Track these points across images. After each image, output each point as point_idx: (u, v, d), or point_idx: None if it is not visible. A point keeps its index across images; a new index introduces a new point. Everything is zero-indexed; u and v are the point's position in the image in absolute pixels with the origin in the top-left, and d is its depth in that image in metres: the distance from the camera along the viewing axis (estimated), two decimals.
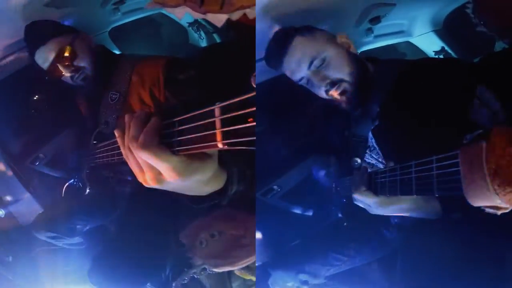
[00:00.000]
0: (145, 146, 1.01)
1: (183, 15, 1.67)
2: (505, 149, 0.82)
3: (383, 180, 1.35)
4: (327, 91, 1.69)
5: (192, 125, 1.12)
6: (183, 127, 1.09)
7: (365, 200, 1.45)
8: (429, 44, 2.53)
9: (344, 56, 1.69)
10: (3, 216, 2.55)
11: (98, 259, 2.06)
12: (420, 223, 1.51)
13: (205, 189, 1.15)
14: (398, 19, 2.36)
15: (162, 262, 1.88)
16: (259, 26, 1.77)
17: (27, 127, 2.51)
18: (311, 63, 1.69)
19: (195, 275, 1.75)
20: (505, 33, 1.81)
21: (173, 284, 1.79)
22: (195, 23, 2.93)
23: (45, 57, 1.95)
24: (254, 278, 1.74)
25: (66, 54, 1.93)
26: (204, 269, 1.69)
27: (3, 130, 2.50)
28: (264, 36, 1.84)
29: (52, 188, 2.43)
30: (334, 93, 1.68)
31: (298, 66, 1.73)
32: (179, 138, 1.07)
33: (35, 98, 2.14)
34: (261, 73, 2.03)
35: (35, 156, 2.42)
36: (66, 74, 1.96)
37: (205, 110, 1.05)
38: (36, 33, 1.99)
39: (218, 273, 1.77)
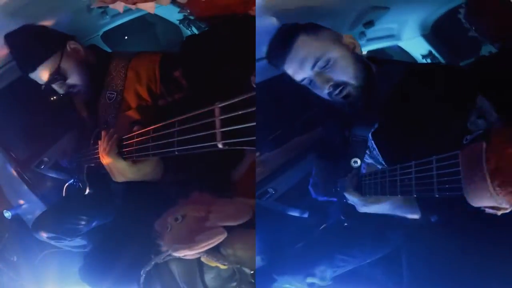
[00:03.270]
0: (108, 154, 1.62)
1: (122, 8, 1.74)
2: (505, 149, 0.83)
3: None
4: (330, 94, 1.66)
5: (192, 124, 1.13)
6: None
7: (352, 199, 1.57)
8: (417, 48, 2.56)
9: (350, 58, 1.65)
10: (10, 218, 2.58)
11: (89, 257, 2.05)
12: (421, 220, 1.52)
13: (148, 178, 1.70)
14: (389, 23, 2.38)
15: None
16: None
17: (31, 132, 2.53)
18: (315, 63, 1.64)
19: (159, 261, 1.73)
20: (496, 38, 1.84)
21: (141, 272, 1.77)
22: (185, 20, 2.90)
23: (38, 79, 2.01)
24: (221, 266, 1.71)
25: (56, 76, 1.99)
26: (170, 255, 1.68)
27: (9, 136, 2.54)
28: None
29: (57, 190, 2.47)
30: (337, 96, 1.65)
31: (301, 65, 1.67)
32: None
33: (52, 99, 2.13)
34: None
35: (39, 160, 2.43)
36: (61, 92, 2.04)
37: (205, 110, 1.06)
38: (24, 59, 2.02)
39: (187, 262, 1.74)
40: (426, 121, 1.46)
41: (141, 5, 1.69)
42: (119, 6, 1.73)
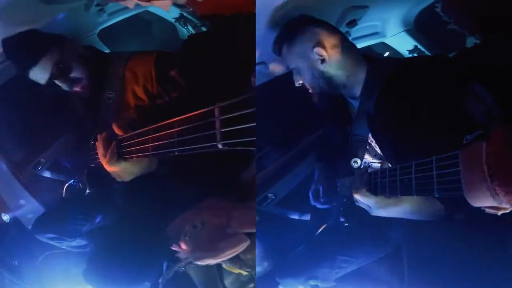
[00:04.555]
0: (109, 163, 1.66)
1: (133, 5, 1.74)
2: (505, 149, 0.82)
3: (383, 180, 1.34)
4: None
5: (192, 125, 1.13)
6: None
7: (365, 201, 1.45)
8: (402, 43, 2.60)
9: (308, 72, 1.75)
10: (8, 221, 2.57)
11: (93, 259, 2.05)
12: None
13: (149, 170, 1.74)
14: (372, 21, 2.41)
15: (158, 260, 1.89)
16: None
17: (28, 133, 2.51)
18: (287, 67, 1.83)
19: (179, 270, 1.72)
20: (474, 29, 1.86)
21: (159, 280, 1.77)
22: (181, 18, 2.90)
23: (40, 77, 1.95)
24: (243, 272, 1.70)
25: (60, 70, 1.94)
26: (190, 262, 1.66)
27: (5, 137, 2.52)
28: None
29: (55, 191, 2.45)
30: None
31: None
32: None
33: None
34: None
35: (37, 161, 2.42)
36: (65, 87, 1.99)
37: (204, 110, 1.06)
38: (23, 55, 1.96)
39: (207, 268, 1.73)
40: (422, 113, 1.46)
41: (157, 3, 1.68)
42: (131, 3, 1.72)
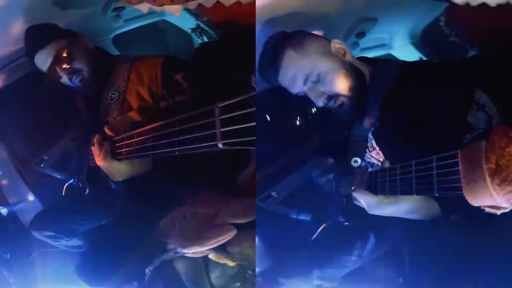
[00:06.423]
0: (103, 161, 1.74)
1: (147, 9, 1.76)
2: (505, 148, 0.82)
3: (383, 179, 1.33)
4: (325, 104, 1.69)
5: (192, 124, 1.13)
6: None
7: (364, 199, 1.44)
8: (408, 55, 2.62)
9: (340, 68, 1.66)
10: (5, 215, 2.59)
11: (87, 255, 2.07)
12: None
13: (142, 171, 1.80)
14: (380, 33, 2.47)
15: (151, 255, 1.90)
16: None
17: (33, 130, 2.54)
18: (306, 79, 1.68)
19: (166, 258, 1.74)
20: (474, 42, 1.93)
21: (146, 270, 1.78)
22: (198, 29, 2.92)
23: (44, 60, 2.02)
24: (230, 263, 1.69)
25: (64, 56, 2.00)
26: (177, 252, 1.68)
27: (10, 133, 2.56)
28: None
29: (55, 189, 2.45)
30: (333, 106, 1.69)
31: (293, 82, 1.72)
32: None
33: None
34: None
35: (40, 158, 2.45)
36: (64, 76, 2.03)
37: (205, 109, 1.06)
38: (35, 37, 2.05)
39: (194, 261, 1.74)
40: (425, 117, 1.45)
41: (168, 7, 1.71)
42: (145, 7, 1.75)
